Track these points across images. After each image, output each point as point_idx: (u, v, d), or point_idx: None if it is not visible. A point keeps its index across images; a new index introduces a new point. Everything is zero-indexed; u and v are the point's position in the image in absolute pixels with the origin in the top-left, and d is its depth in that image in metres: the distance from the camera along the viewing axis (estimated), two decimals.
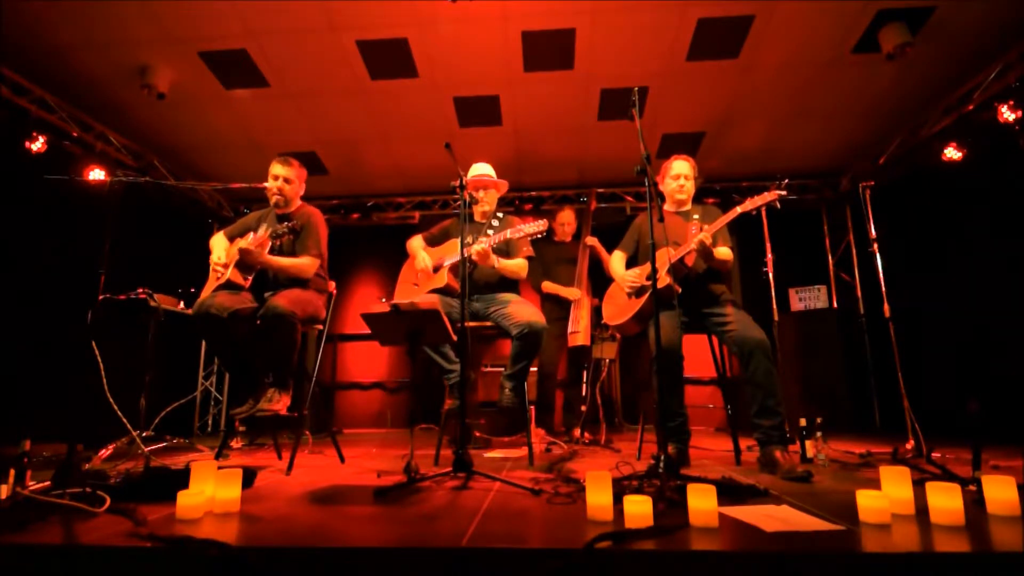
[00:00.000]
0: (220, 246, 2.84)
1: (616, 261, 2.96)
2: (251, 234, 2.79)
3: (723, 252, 2.61)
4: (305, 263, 2.73)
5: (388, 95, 4.22)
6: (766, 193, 2.41)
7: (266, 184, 2.88)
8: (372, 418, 5.86)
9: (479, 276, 2.94)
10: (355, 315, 5.91)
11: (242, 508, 1.61)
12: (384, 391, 5.96)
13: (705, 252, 2.50)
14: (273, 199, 2.85)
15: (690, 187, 2.83)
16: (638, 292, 2.75)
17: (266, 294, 2.69)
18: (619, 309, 2.83)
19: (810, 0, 3.30)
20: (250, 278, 2.70)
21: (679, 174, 2.82)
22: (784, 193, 2.39)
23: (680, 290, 2.44)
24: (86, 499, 1.61)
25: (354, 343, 6.03)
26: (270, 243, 2.62)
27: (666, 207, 2.89)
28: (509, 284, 3.01)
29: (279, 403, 2.50)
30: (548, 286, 4.02)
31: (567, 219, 4.30)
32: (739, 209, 2.48)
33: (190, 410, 5.43)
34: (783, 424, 2.38)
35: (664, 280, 2.55)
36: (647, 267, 2.74)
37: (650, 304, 2.64)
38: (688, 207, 2.86)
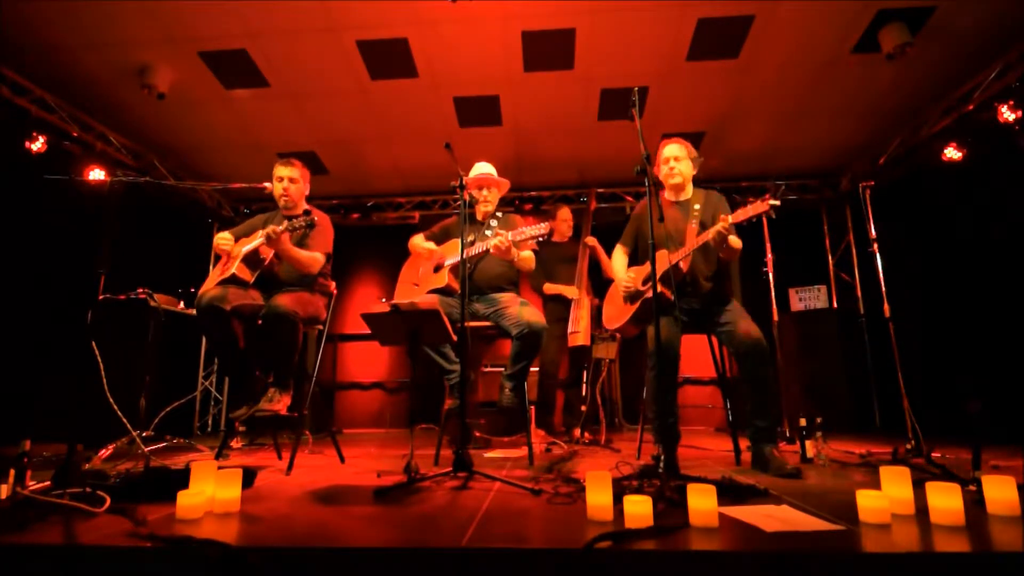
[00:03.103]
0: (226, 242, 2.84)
1: (617, 257, 2.84)
2: (259, 232, 2.78)
3: (733, 241, 2.42)
4: (316, 256, 2.74)
5: (388, 95, 4.22)
6: (758, 203, 2.20)
7: (266, 184, 2.88)
8: (372, 418, 5.86)
9: (479, 276, 2.94)
10: (355, 315, 5.91)
11: (242, 508, 1.61)
12: (384, 391, 5.96)
13: (722, 241, 2.33)
14: (282, 201, 2.85)
15: (683, 168, 2.64)
16: (632, 298, 2.67)
17: (273, 291, 2.70)
18: (617, 312, 2.78)
19: (810, 0, 3.30)
20: (256, 273, 2.70)
21: (668, 157, 2.66)
22: (777, 203, 2.18)
23: (672, 297, 2.33)
24: (86, 499, 1.61)
25: (354, 343, 6.03)
26: (289, 234, 2.61)
27: (666, 195, 2.74)
28: (509, 284, 3.01)
29: (279, 403, 2.51)
30: (550, 287, 4.02)
31: (567, 215, 4.29)
32: (730, 220, 2.27)
33: (190, 410, 5.43)
34: (777, 424, 2.38)
35: (658, 288, 2.43)
36: (642, 270, 2.69)
37: (643, 310, 2.58)
38: (688, 195, 2.68)
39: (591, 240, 4.07)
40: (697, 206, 2.58)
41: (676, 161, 2.65)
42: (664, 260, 2.43)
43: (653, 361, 2.46)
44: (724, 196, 2.65)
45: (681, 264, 2.49)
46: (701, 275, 2.56)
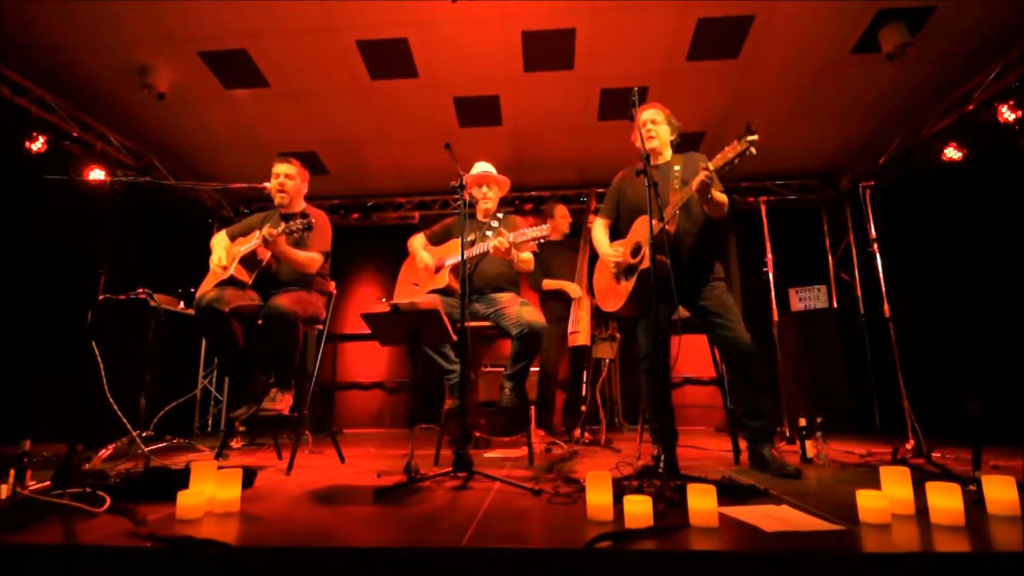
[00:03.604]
0: (221, 245, 2.85)
1: (599, 231, 2.68)
2: (256, 232, 2.79)
3: (717, 196, 2.34)
4: (313, 256, 2.74)
5: (388, 95, 4.22)
6: (735, 143, 2.13)
7: (266, 184, 2.89)
8: (372, 418, 5.87)
9: (480, 276, 2.94)
10: (355, 315, 5.91)
11: (242, 508, 1.61)
12: (384, 391, 5.96)
13: (706, 191, 2.23)
14: (277, 197, 2.85)
15: (660, 131, 2.57)
16: (626, 274, 2.51)
17: (271, 292, 2.70)
18: (611, 291, 2.61)
19: (810, 0, 3.30)
20: (254, 274, 2.71)
21: (646, 120, 2.57)
22: (755, 137, 2.11)
23: (668, 262, 2.17)
24: (86, 499, 1.61)
25: (354, 343, 6.03)
26: (286, 236, 2.61)
27: None
28: (509, 284, 3.01)
29: (282, 403, 2.51)
30: (549, 283, 4.03)
31: (564, 212, 4.31)
32: (711, 166, 2.22)
33: (190, 410, 5.43)
34: (771, 424, 2.33)
35: (648, 261, 2.23)
36: (627, 242, 2.53)
37: (642, 284, 2.40)
38: (667, 158, 2.59)
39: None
40: (677, 167, 2.48)
41: (653, 124, 2.57)
42: (646, 224, 2.21)
43: (645, 364, 2.44)
44: (705, 156, 2.51)
45: (668, 227, 2.33)
46: (687, 233, 2.46)
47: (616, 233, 2.71)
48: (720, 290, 2.45)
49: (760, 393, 2.35)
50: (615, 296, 2.57)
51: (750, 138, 2.10)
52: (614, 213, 2.70)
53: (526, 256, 2.88)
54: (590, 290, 4.07)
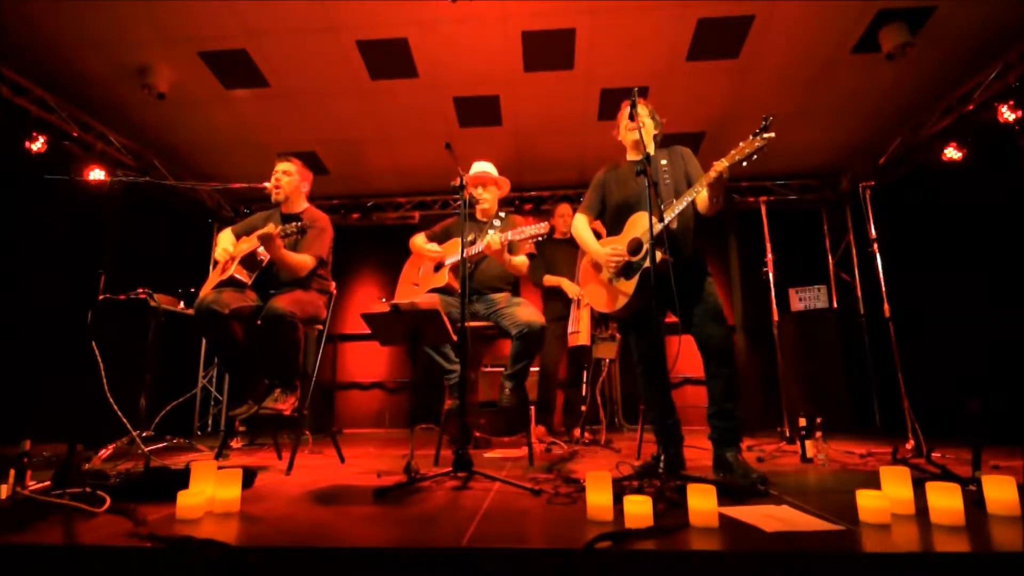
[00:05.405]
0: (227, 241, 2.87)
1: (584, 228, 2.55)
2: (256, 232, 2.79)
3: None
4: (305, 260, 2.73)
5: (388, 95, 4.22)
6: (751, 139, 2.09)
7: (266, 184, 2.89)
8: (372, 418, 5.86)
9: (479, 276, 2.94)
10: (355, 315, 5.91)
11: (242, 508, 1.61)
12: (384, 391, 5.96)
13: (720, 185, 2.16)
14: (274, 194, 2.86)
15: (646, 124, 2.48)
16: (626, 273, 2.35)
17: (271, 292, 2.70)
18: (604, 292, 2.46)
19: (810, 0, 3.30)
20: (254, 275, 2.71)
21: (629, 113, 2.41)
22: (771, 135, 2.04)
23: (672, 260, 2.11)
24: (86, 499, 1.61)
25: (354, 343, 6.03)
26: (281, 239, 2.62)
27: (628, 157, 2.57)
28: (508, 284, 3.01)
29: (284, 403, 2.51)
30: (549, 279, 4.02)
31: (566, 211, 4.30)
32: (725, 163, 2.15)
33: (190, 410, 5.43)
34: (739, 427, 2.22)
35: (657, 254, 2.11)
36: (621, 239, 2.41)
37: (645, 282, 2.27)
38: (652, 152, 2.50)
39: None
40: (664, 162, 2.43)
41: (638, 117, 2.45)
42: (644, 221, 2.19)
43: (643, 366, 2.42)
44: (690, 150, 2.47)
45: (670, 225, 2.26)
46: (687, 229, 2.38)
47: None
48: (714, 288, 2.38)
49: (737, 393, 2.25)
50: (611, 296, 2.43)
51: (767, 135, 2.04)
52: (599, 208, 2.61)
53: (519, 260, 2.86)
54: None
